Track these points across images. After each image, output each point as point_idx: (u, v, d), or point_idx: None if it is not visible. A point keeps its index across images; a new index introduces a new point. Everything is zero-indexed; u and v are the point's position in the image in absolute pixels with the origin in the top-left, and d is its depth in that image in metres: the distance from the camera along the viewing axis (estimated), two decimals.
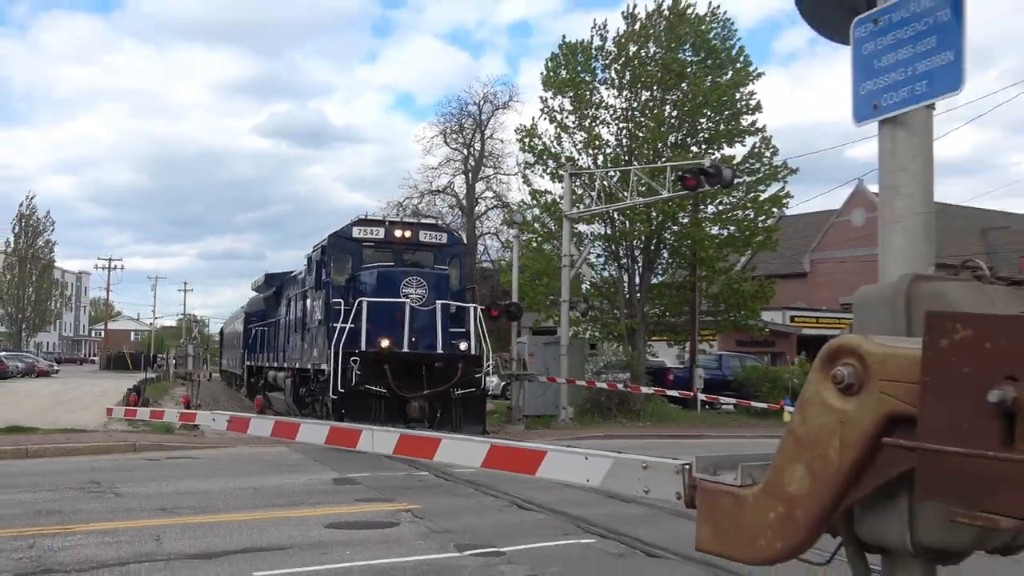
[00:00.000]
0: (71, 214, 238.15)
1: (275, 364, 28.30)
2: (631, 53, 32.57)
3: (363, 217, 23.40)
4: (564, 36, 35.25)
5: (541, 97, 34.22)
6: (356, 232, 21.59)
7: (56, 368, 75.23)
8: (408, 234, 22.04)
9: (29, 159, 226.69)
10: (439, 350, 19.49)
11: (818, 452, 2.12)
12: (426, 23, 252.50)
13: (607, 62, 33.18)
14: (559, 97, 33.69)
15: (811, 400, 2.15)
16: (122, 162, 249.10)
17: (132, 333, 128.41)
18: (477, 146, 48.06)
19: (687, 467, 2.75)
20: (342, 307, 19.49)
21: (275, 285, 30.83)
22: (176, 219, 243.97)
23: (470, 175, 52.92)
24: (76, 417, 24.79)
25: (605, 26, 33.49)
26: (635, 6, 32.64)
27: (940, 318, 1.91)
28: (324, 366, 19.67)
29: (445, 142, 47.22)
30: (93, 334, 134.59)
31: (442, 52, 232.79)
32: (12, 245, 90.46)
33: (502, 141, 51.20)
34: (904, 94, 2.70)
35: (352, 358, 18.43)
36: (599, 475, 3.64)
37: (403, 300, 19.27)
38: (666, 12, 32.29)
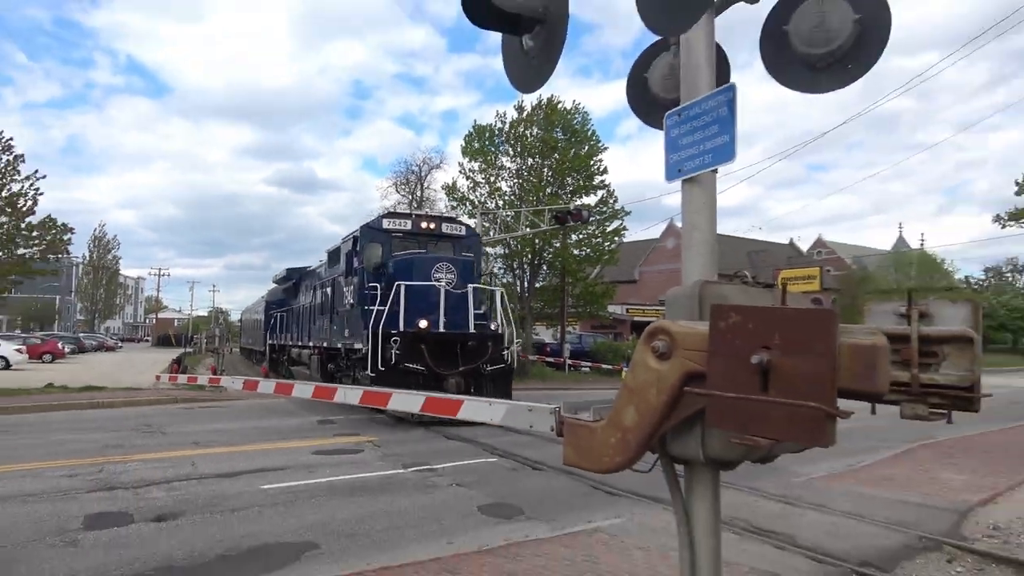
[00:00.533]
0: (132, 236, 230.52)
1: (299, 343, 23.18)
2: (520, 132, 32.82)
3: (391, 211, 19.08)
4: (476, 120, 35.52)
5: (459, 163, 34.23)
6: (386, 224, 16.89)
7: (120, 345, 71.97)
8: (432, 226, 17.43)
9: (103, 197, 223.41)
10: (471, 330, 15.20)
11: (643, 397, 2.15)
12: (385, 110, 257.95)
13: (505, 138, 33.33)
14: (472, 162, 33.71)
15: (638, 363, 2.18)
16: (168, 201, 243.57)
17: (175, 321, 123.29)
18: (418, 194, 47.33)
19: (558, 409, 2.76)
20: (378, 291, 15.01)
21: (295, 278, 26.08)
22: (207, 241, 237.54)
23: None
24: (134, 379, 23.70)
25: (504, 115, 33.95)
26: (523, 101, 33.02)
27: (720, 309, 1.96)
28: (358, 345, 15.32)
29: (396, 191, 46.16)
30: (147, 321, 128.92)
31: (395, 130, 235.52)
32: (88, 258, 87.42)
33: (435, 191, 50.68)
34: (697, 162, 2.75)
35: (393, 338, 14.12)
36: (499, 416, 3.65)
37: (438, 284, 14.93)
38: (544, 105, 32.61)
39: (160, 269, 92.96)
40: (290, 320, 25.72)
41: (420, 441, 12.16)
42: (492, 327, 15.61)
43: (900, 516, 7.33)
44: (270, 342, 29.36)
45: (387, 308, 14.28)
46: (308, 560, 5.74)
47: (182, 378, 21.95)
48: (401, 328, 14.24)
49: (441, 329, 14.63)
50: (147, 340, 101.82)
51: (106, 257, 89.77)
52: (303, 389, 7.31)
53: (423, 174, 43.19)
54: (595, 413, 2.43)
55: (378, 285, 15.25)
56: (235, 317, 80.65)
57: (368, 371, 14.10)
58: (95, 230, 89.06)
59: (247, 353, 43.41)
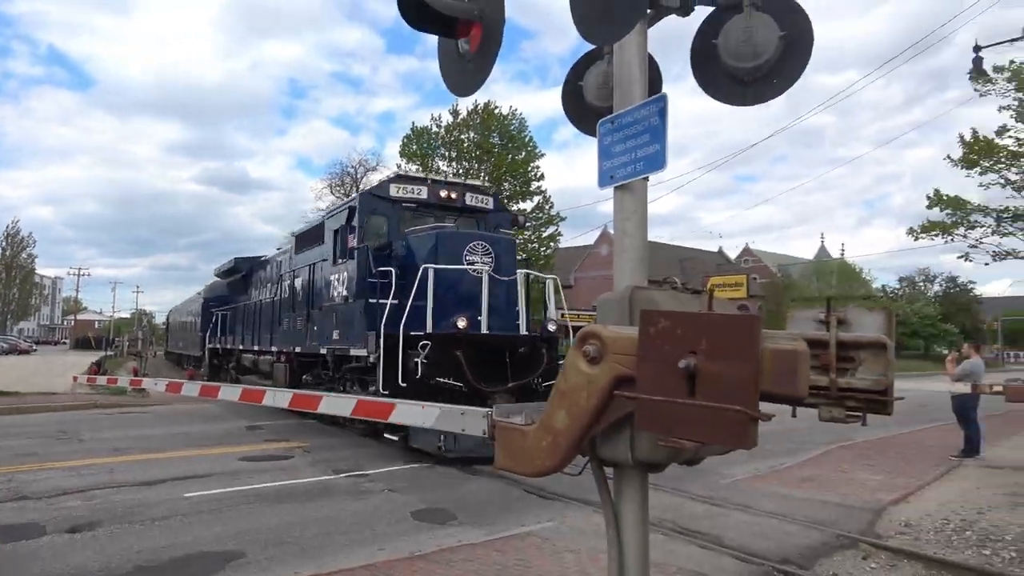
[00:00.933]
0: (50, 234, 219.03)
1: (254, 347, 18.27)
2: (457, 137, 32.84)
3: (401, 174, 15.17)
4: (414, 123, 35.45)
5: (397, 164, 34.07)
6: (394, 190, 12.75)
7: (34, 348, 68.39)
8: (454, 195, 13.25)
9: (21, 192, 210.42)
10: (523, 331, 11.65)
11: (574, 401, 2.15)
12: (321, 110, 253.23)
13: (441, 142, 33.29)
14: (410, 164, 33.54)
15: (570, 367, 2.19)
16: (91, 198, 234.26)
17: (96, 323, 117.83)
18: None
19: (490, 413, 2.75)
20: (392, 279, 10.85)
21: (244, 269, 21.61)
22: (131, 240, 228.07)
23: None
24: (49, 383, 22.55)
25: (440, 118, 33.80)
26: (458, 104, 33.14)
27: (650, 314, 1.99)
28: (358, 351, 11.38)
29: (332, 192, 45.29)
30: (65, 322, 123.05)
31: (331, 130, 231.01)
32: (0, 256, 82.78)
33: None
34: (629, 170, 2.78)
35: (421, 343, 10.27)
36: (432, 419, 3.61)
37: (480, 270, 11.06)
38: (480, 110, 32.72)
39: (80, 269, 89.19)
40: (239, 320, 21.36)
41: (352, 447, 11.96)
42: (550, 327, 11.94)
43: (819, 515, 7.61)
44: (211, 346, 24.52)
45: (409, 302, 10.62)
46: (233, 570, 5.57)
47: (101, 379, 21.04)
48: (429, 328, 10.60)
49: (484, 330, 10.89)
50: (65, 343, 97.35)
51: (20, 255, 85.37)
52: (229, 392, 7.08)
53: (359, 176, 42.66)
54: (527, 416, 2.43)
55: (391, 270, 11.14)
56: (160, 319, 77.51)
57: (380, 387, 10.47)
58: (8, 226, 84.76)
59: (175, 358, 40.39)
